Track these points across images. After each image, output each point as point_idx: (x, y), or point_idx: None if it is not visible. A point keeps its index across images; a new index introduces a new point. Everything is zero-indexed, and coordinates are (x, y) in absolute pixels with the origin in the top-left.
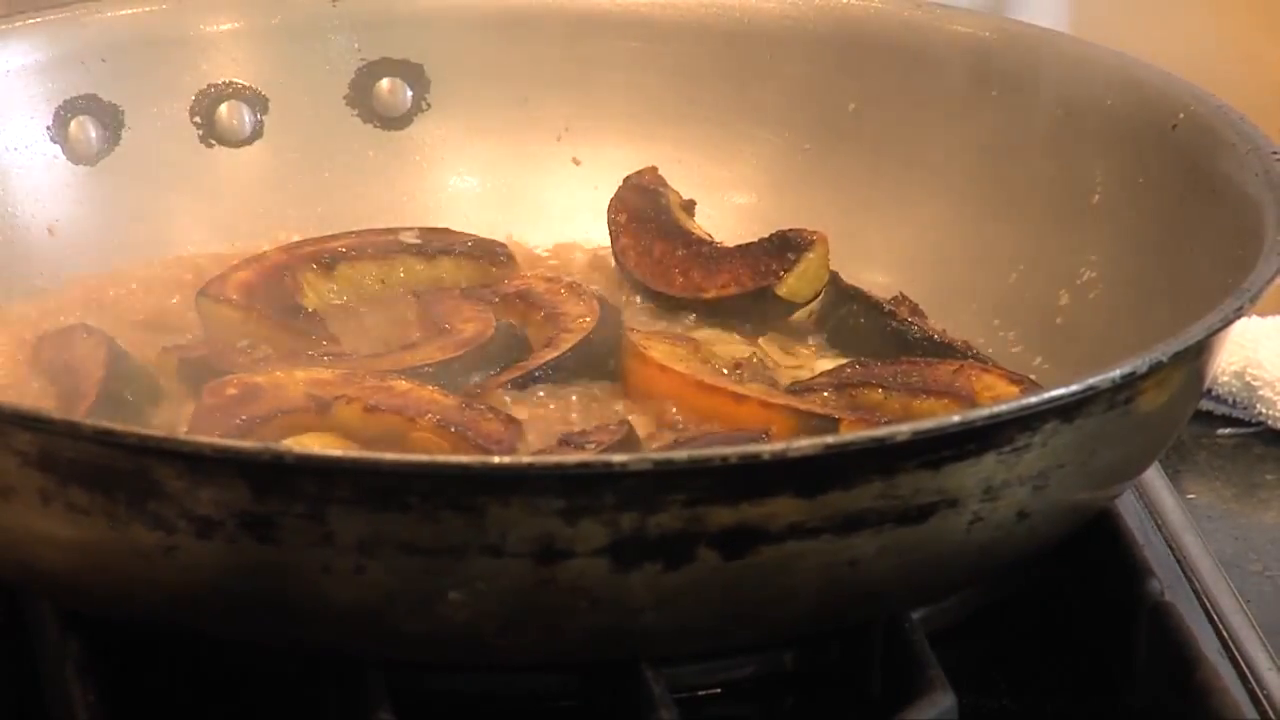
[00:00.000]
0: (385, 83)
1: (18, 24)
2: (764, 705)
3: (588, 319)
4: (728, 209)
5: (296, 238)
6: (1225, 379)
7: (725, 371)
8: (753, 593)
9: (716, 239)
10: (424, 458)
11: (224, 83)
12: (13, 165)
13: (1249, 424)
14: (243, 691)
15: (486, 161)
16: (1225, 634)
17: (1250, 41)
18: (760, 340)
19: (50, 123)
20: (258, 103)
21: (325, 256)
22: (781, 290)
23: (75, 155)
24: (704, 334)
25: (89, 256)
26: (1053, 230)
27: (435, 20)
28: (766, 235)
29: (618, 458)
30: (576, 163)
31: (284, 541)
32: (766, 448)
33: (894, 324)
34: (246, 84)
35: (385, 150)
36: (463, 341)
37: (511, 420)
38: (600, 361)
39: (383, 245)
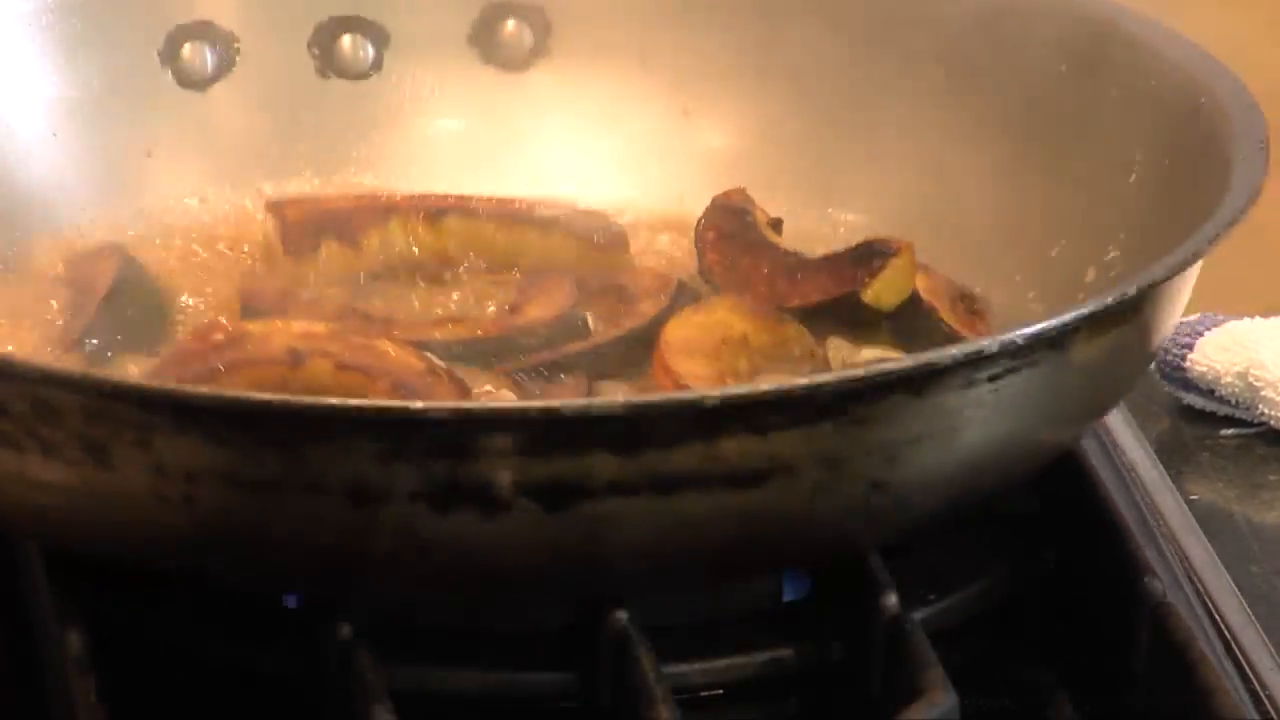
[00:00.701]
0: (508, 24)
1: None
2: (765, 705)
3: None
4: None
5: (406, 174)
6: (1228, 380)
7: None
8: (579, 546)
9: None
10: (234, 394)
11: (346, 15)
12: (117, 86)
13: (1251, 425)
14: (243, 691)
15: (602, 116)
16: (1227, 635)
17: (1250, 42)
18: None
19: (161, 46)
20: (380, 37)
21: (430, 210)
22: (867, 296)
23: (185, 80)
24: None
25: (182, 184)
26: (1091, 207)
27: None
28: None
29: (418, 404)
30: (686, 114)
31: (117, 467)
32: (570, 404)
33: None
34: (369, 18)
35: (504, 94)
36: (502, 324)
37: (465, 391)
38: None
39: (495, 212)
